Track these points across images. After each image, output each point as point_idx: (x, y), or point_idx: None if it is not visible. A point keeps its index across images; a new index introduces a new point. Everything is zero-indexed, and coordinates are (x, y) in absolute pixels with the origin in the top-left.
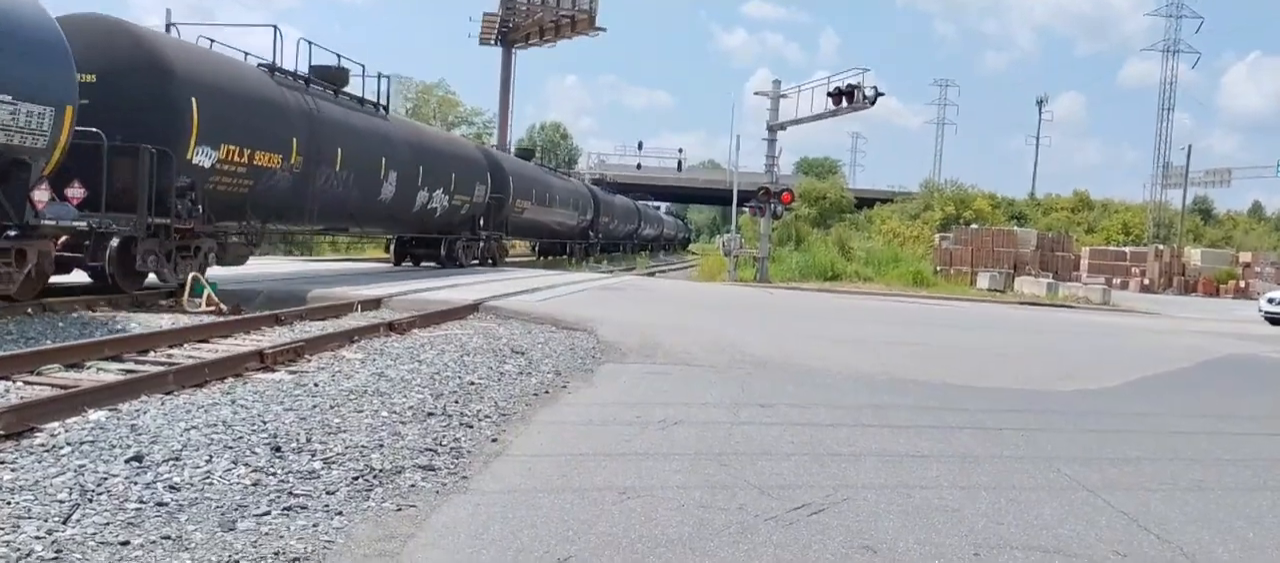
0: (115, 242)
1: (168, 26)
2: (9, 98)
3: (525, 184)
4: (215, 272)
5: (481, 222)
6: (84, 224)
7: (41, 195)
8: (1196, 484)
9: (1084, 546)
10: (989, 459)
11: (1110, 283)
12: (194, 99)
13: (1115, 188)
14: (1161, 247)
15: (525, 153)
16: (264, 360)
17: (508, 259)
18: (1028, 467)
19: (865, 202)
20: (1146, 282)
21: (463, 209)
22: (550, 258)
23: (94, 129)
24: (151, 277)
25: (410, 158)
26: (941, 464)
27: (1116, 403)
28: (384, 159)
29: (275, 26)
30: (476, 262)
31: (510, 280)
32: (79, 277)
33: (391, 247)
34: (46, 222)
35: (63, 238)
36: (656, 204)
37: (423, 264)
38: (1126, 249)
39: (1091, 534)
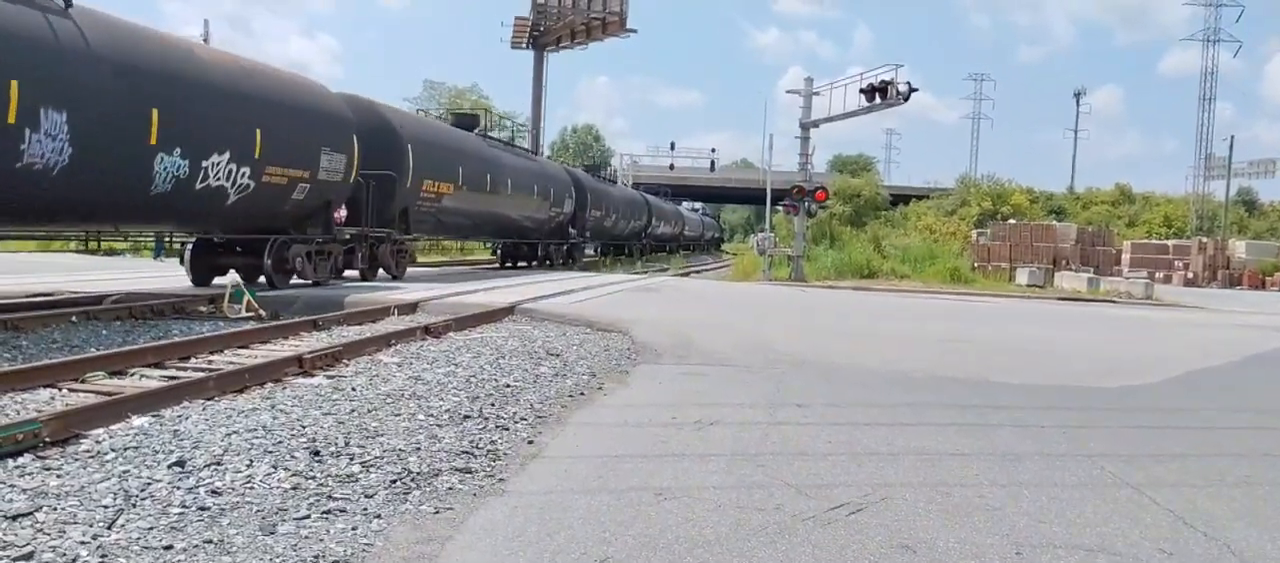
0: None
1: (205, 37)
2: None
3: (596, 196)
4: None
5: (641, 235)
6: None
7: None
8: (1243, 480)
9: (1129, 544)
10: (1030, 457)
11: (1153, 277)
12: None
13: (1156, 180)
14: (1205, 239)
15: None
16: (303, 366)
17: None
18: (1070, 464)
19: (900, 198)
20: (1190, 275)
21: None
22: (610, 258)
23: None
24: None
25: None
26: (981, 463)
27: (1161, 399)
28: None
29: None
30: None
31: (566, 281)
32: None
33: (498, 251)
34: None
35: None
36: (694, 205)
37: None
38: (1169, 243)
39: (1136, 532)
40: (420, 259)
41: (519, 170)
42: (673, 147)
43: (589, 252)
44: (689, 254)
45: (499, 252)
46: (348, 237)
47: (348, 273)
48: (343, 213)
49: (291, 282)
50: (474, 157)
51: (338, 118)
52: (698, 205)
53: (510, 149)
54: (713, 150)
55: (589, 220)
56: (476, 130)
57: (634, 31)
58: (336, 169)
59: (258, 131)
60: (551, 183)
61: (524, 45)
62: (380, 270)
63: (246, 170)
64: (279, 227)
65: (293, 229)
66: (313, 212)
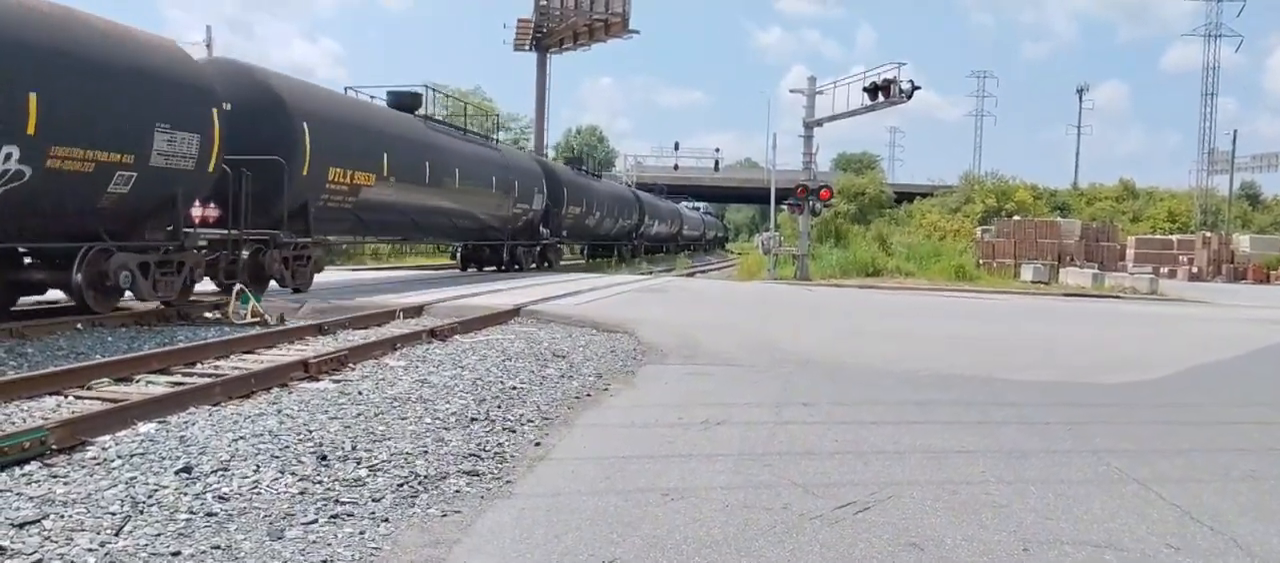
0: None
1: (207, 43)
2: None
3: (576, 191)
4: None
5: (633, 234)
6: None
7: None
8: (1249, 474)
9: (1135, 539)
10: (1036, 454)
11: (1157, 272)
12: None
13: (1160, 175)
14: (1209, 234)
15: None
16: (309, 370)
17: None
18: (1076, 461)
19: (905, 196)
20: (1195, 270)
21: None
22: (598, 260)
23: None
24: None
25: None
26: (988, 460)
27: (1166, 394)
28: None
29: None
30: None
31: (556, 284)
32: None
33: (458, 254)
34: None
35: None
36: (695, 205)
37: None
38: (1173, 237)
39: (1143, 528)
40: (351, 264)
41: (471, 159)
42: (677, 147)
43: (576, 252)
44: (692, 254)
45: (459, 255)
46: (204, 243)
47: (202, 289)
48: (206, 212)
49: (119, 303)
50: (406, 141)
51: (185, 84)
52: (699, 205)
53: (462, 134)
54: (717, 150)
55: (566, 218)
56: (419, 112)
57: (637, 32)
58: (183, 153)
59: (32, 97)
60: (516, 175)
61: (527, 47)
62: (271, 283)
63: (11, 152)
64: (90, 231)
65: (118, 234)
66: (150, 210)
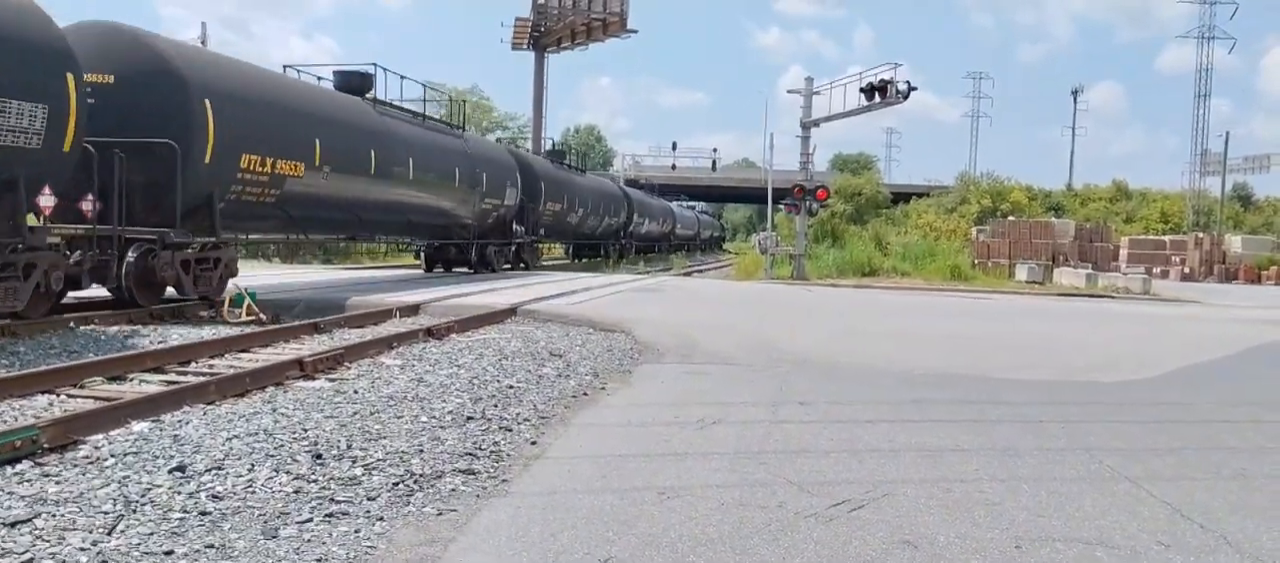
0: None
1: (202, 40)
2: (509, 185)
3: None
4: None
5: (514, 225)
6: None
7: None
8: (1240, 473)
9: (1127, 537)
10: (1030, 452)
11: (1151, 272)
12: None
13: (1154, 177)
14: (1201, 234)
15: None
16: (304, 369)
17: (541, 263)
18: (1069, 459)
19: (901, 196)
20: (1187, 270)
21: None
22: (584, 260)
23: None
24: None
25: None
26: (982, 458)
27: (1159, 393)
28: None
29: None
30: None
31: (545, 284)
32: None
33: (421, 254)
34: None
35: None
36: (692, 204)
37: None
38: (1166, 238)
39: (1134, 525)
40: (280, 266)
41: (430, 149)
42: (675, 147)
43: (561, 252)
44: (687, 254)
45: (423, 255)
46: (57, 239)
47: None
48: (83, 205)
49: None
50: (347, 126)
51: (28, 44)
52: (695, 204)
53: (421, 121)
54: (715, 150)
55: (544, 215)
56: (368, 95)
57: (635, 32)
58: (22, 127)
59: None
60: (484, 167)
61: (525, 46)
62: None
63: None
64: (484, 236)
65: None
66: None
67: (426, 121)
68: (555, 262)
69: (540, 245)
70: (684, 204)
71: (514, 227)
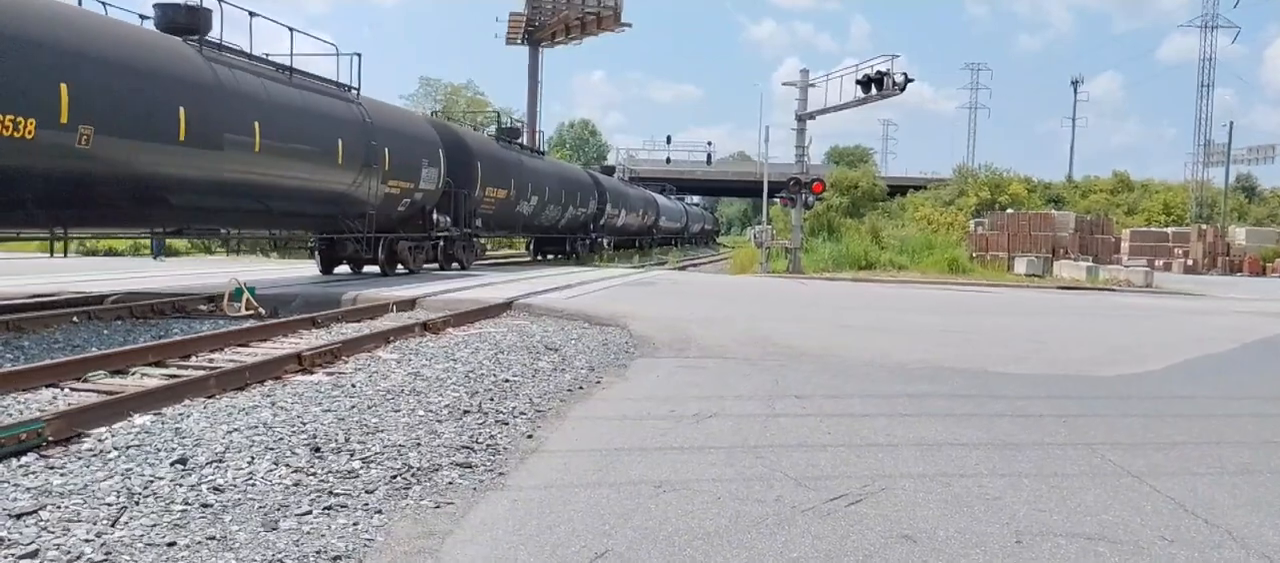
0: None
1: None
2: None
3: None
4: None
5: (591, 226)
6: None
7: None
8: (1243, 467)
9: (1129, 532)
10: (1030, 446)
11: (1153, 265)
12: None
13: (1155, 168)
14: (1204, 226)
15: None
16: (302, 363)
17: (486, 260)
18: (1070, 453)
19: (898, 189)
20: (1190, 262)
21: (581, 217)
22: (551, 256)
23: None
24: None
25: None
26: (981, 452)
27: (1160, 386)
28: (547, 188)
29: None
30: (436, 265)
31: (539, 279)
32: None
33: (529, 245)
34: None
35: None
36: (678, 195)
37: (549, 256)
38: (1169, 230)
39: (1136, 520)
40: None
41: (299, 113)
42: (669, 141)
43: (520, 246)
44: (683, 249)
45: (315, 251)
46: (592, 237)
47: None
48: None
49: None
50: (134, 73)
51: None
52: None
53: (283, 75)
54: (709, 144)
55: (482, 203)
56: (211, 35)
57: (629, 26)
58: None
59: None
60: (387, 140)
61: (519, 41)
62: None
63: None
64: (572, 232)
65: (576, 234)
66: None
67: (295, 77)
68: (507, 259)
69: (489, 240)
70: (671, 195)
71: (436, 217)
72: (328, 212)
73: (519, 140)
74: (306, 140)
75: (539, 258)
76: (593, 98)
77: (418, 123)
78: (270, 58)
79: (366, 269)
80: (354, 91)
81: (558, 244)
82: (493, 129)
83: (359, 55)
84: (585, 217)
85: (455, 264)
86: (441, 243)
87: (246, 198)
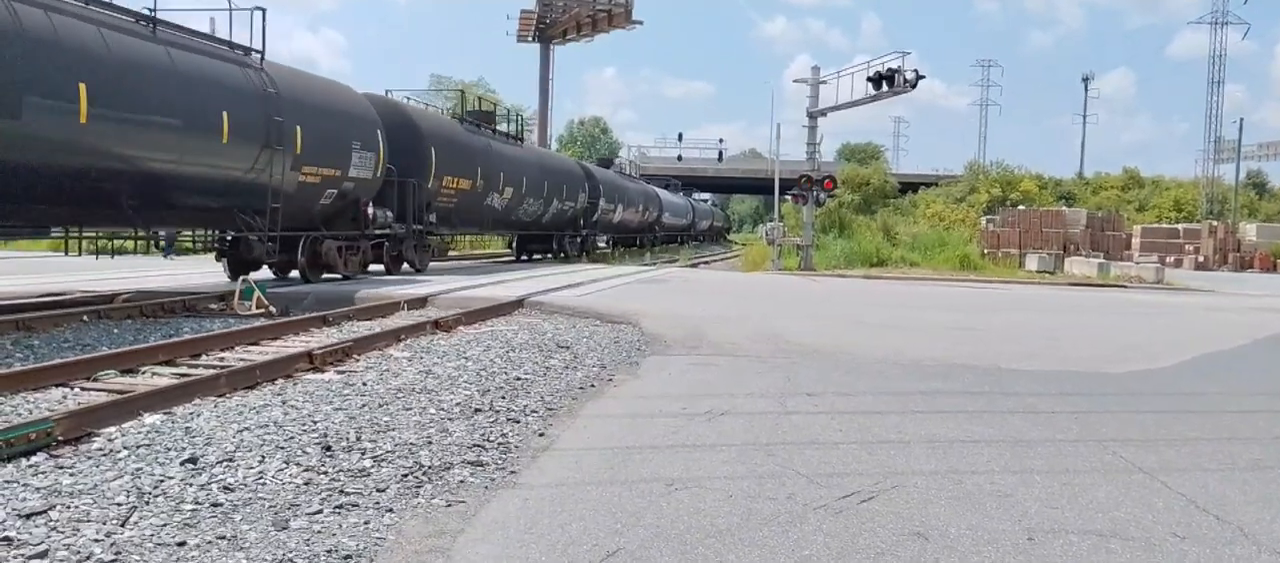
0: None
1: (211, 31)
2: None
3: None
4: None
5: (581, 222)
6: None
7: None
8: (1255, 464)
9: (1141, 528)
10: (1041, 443)
11: (1163, 261)
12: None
13: (1166, 164)
14: (1215, 223)
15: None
16: (313, 361)
17: (445, 260)
18: (1082, 450)
19: (909, 186)
20: (1201, 259)
21: (568, 213)
22: (537, 256)
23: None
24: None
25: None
26: (993, 449)
27: (1172, 383)
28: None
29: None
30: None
31: (556, 276)
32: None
33: (512, 243)
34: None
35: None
36: (703, 196)
37: (534, 256)
38: (1179, 226)
39: (1148, 517)
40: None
41: (162, 76)
42: (681, 138)
43: (499, 244)
44: (698, 246)
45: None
46: (583, 235)
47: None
48: None
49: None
50: None
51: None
52: (700, 194)
53: (144, 27)
54: (721, 141)
55: (439, 196)
56: None
57: (640, 23)
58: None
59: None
60: (296, 116)
61: (530, 38)
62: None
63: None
64: (561, 229)
65: (564, 231)
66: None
67: (161, 31)
68: (490, 259)
69: (453, 239)
70: (677, 191)
71: (372, 211)
72: (212, 204)
73: (492, 125)
74: (171, 111)
75: (523, 258)
76: (604, 95)
77: (347, 97)
78: (120, 4)
79: (290, 271)
80: (255, 54)
81: (543, 243)
82: (501, 127)
83: (263, 10)
84: (574, 212)
85: (408, 266)
86: (386, 242)
87: (70, 185)
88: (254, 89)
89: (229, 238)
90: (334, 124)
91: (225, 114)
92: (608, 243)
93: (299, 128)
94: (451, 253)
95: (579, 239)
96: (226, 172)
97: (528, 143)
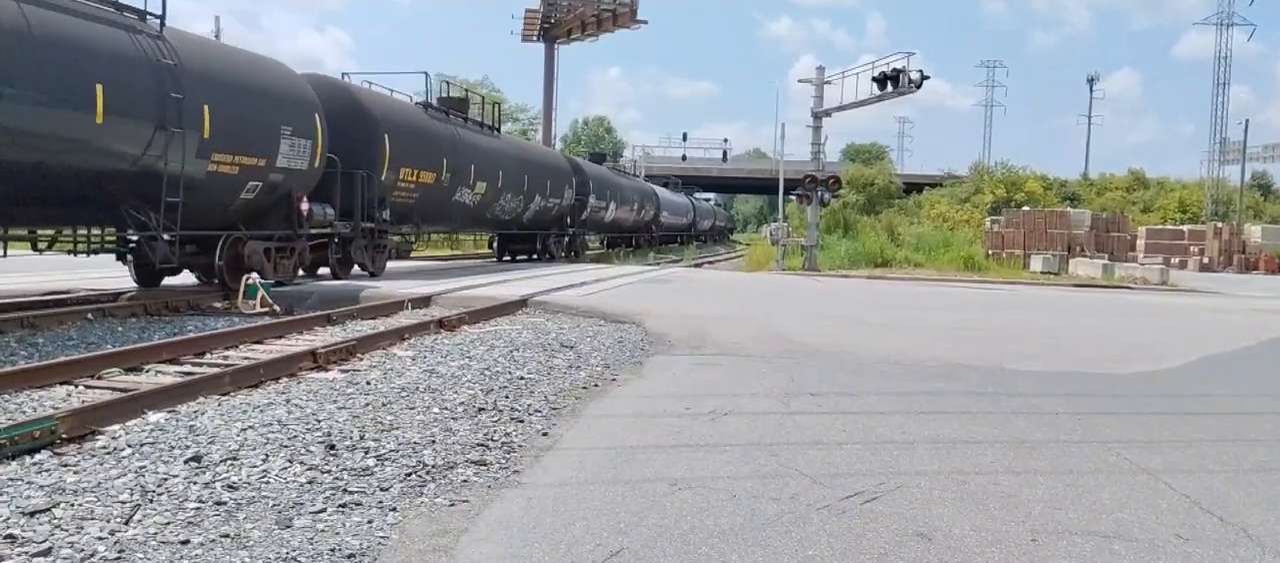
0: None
1: (216, 33)
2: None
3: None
4: None
5: (568, 220)
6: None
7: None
8: (1260, 465)
9: (1144, 530)
10: (1045, 444)
11: (1168, 262)
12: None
13: (1171, 165)
14: (1220, 224)
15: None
16: (317, 360)
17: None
18: (1085, 451)
19: (914, 186)
20: (1206, 260)
21: (553, 210)
22: (522, 258)
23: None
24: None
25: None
26: (997, 450)
27: (1176, 384)
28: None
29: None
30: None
31: (560, 275)
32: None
33: (493, 243)
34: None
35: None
36: (706, 195)
37: (519, 258)
38: (1184, 228)
39: (1152, 518)
40: None
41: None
42: (685, 138)
43: (480, 243)
44: (702, 245)
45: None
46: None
47: None
48: None
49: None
50: None
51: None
52: (710, 196)
53: (500, 137)
54: (725, 141)
55: (397, 191)
56: None
57: (645, 22)
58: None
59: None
60: (208, 94)
61: (534, 38)
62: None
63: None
64: (545, 228)
65: (549, 229)
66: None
67: (495, 133)
68: (447, 262)
69: (418, 238)
70: (678, 189)
71: (307, 207)
72: (90, 196)
73: (464, 113)
74: (24, 81)
75: (506, 259)
76: (608, 95)
77: (276, 75)
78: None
79: (207, 277)
80: (152, 20)
81: (527, 242)
82: (508, 126)
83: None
84: (560, 210)
85: (364, 268)
86: (331, 243)
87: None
88: (144, 59)
89: (133, 238)
90: (256, 105)
91: (99, 87)
92: (602, 243)
93: (206, 107)
94: (414, 255)
95: (566, 239)
96: (104, 157)
97: (534, 141)
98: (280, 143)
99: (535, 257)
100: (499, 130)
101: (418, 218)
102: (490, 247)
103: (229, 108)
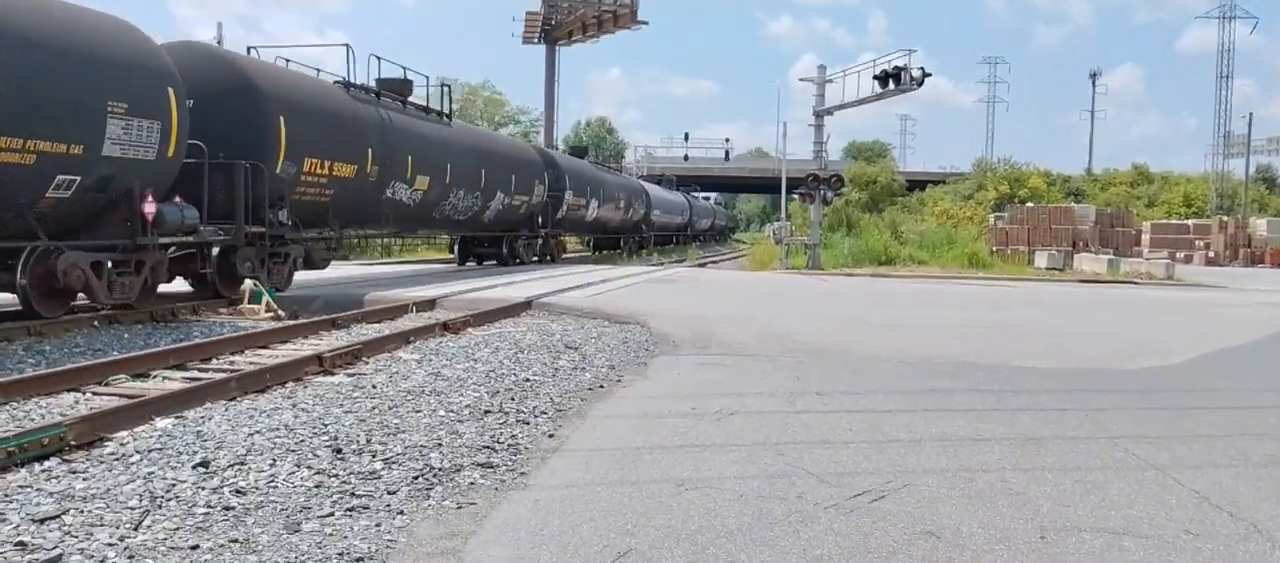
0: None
1: (218, 39)
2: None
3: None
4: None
5: (540, 220)
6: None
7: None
8: (1268, 460)
9: (1154, 526)
10: (1053, 441)
11: (1174, 257)
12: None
13: (1176, 160)
14: (1225, 218)
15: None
16: (323, 364)
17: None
18: (1093, 447)
19: (917, 184)
20: (1211, 255)
21: (521, 209)
22: (490, 262)
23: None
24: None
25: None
26: (1004, 447)
27: (1183, 379)
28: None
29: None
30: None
31: (562, 277)
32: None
33: (454, 247)
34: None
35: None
36: (707, 194)
37: (485, 263)
38: (1189, 222)
39: (1161, 514)
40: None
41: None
42: (687, 137)
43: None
44: (704, 245)
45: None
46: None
47: None
48: None
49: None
50: None
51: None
52: (710, 196)
53: (451, 125)
54: (727, 140)
55: (306, 188)
56: None
57: (645, 23)
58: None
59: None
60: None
61: (535, 40)
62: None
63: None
64: (513, 229)
65: (517, 231)
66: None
67: (444, 120)
68: (441, 264)
69: (340, 244)
70: (672, 187)
71: (156, 209)
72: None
73: (403, 96)
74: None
75: (470, 264)
76: (610, 95)
77: (101, 34)
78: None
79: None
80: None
81: (494, 245)
82: (510, 128)
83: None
84: (530, 208)
85: (263, 274)
86: (208, 252)
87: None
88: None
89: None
90: (65, 73)
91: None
92: (587, 245)
93: (34, 83)
94: (363, 260)
95: (538, 241)
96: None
97: (534, 141)
98: (107, 124)
99: (499, 261)
100: (449, 117)
101: (334, 219)
102: (451, 250)
103: (19, 78)
